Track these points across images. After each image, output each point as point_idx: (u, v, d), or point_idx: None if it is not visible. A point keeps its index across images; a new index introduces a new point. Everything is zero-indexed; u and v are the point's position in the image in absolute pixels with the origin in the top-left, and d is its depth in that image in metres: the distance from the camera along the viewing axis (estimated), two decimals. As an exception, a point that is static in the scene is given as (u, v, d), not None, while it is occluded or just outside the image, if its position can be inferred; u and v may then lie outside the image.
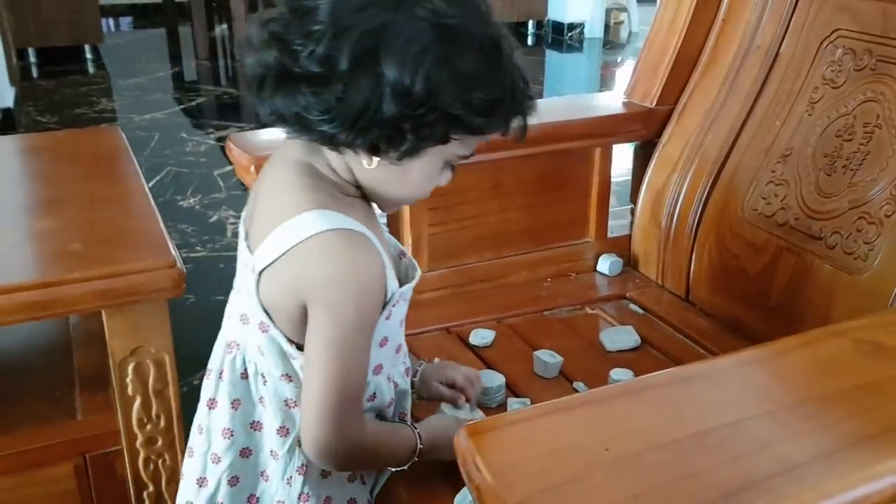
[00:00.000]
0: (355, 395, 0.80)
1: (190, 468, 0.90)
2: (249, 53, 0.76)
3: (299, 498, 0.85)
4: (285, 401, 0.85)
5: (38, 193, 1.27)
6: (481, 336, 1.17)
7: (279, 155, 0.86)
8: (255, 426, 0.87)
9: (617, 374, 1.06)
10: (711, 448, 0.56)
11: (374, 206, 0.86)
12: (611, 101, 1.47)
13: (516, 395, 1.04)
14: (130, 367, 1.09)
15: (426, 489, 0.88)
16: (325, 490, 0.87)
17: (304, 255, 0.77)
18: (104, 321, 1.05)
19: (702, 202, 1.30)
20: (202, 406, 0.89)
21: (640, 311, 1.31)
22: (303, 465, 0.85)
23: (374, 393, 0.86)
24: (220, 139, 3.58)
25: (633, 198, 1.44)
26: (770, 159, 1.22)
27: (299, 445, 0.84)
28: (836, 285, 1.09)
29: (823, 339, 0.69)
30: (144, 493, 1.15)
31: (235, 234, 2.60)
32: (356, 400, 0.80)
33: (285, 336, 0.82)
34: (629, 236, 1.43)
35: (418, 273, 0.87)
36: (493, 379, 1.03)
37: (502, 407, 1.03)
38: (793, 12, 1.24)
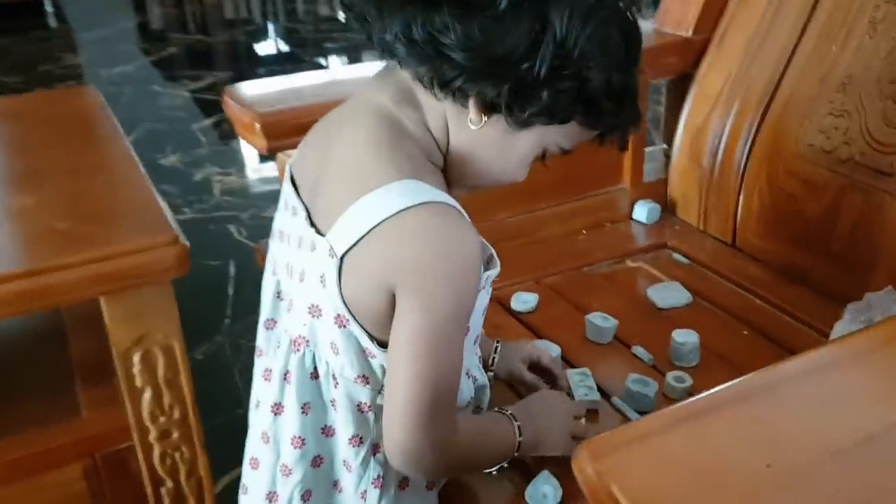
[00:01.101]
0: (448, 394, 0.68)
1: (255, 481, 0.79)
2: None
3: None
4: (359, 405, 0.73)
5: (12, 165, 1.13)
6: (523, 300, 1.07)
7: (355, 105, 0.73)
8: (326, 431, 0.75)
9: (680, 336, 0.96)
10: (887, 457, 0.45)
11: None
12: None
13: (572, 366, 0.94)
14: (136, 358, 0.97)
15: (494, 479, 0.78)
16: (403, 503, 0.76)
17: (392, 234, 0.65)
18: (103, 309, 0.93)
19: (749, 139, 1.19)
20: (265, 411, 0.77)
21: (685, 260, 1.20)
22: (378, 476, 0.74)
23: None
24: (196, 91, 3.40)
25: (668, 138, 1.32)
26: (827, 89, 1.10)
27: (373, 455, 0.73)
28: (914, 226, 0.99)
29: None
30: (163, 490, 1.05)
31: (223, 193, 2.50)
32: (449, 400, 0.68)
33: (366, 331, 0.69)
34: (665, 180, 1.32)
35: (496, 260, 0.75)
36: (548, 349, 0.93)
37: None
38: (850, -80, 1.11)
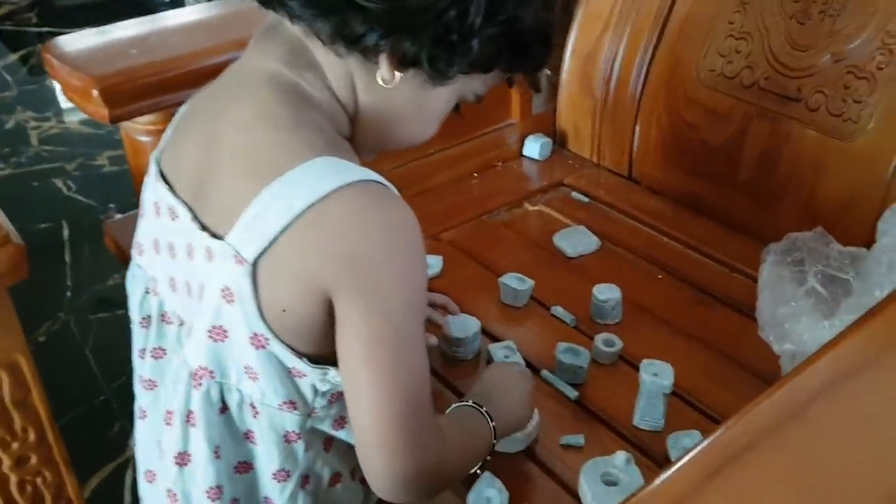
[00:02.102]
0: (426, 402, 0.57)
1: None
2: None
3: None
4: (285, 435, 0.61)
5: None
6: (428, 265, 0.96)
7: (240, 77, 0.60)
8: (240, 468, 0.63)
9: (602, 292, 0.89)
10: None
11: None
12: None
13: (493, 339, 0.86)
14: (-26, 383, 0.80)
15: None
16: None
17: (319, 226, 0.53)
18: (-79, 331, 0.75)
19: (645, 64, 1.11)
20: (166, 463, 0.63)
21: (584, 199, 1.13)
22: None
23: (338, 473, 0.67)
24: (-7, 20, 2.96)
25: (554, 64, 1.23)
26: (726, 8, 1.04)
27: (302, 488, 0.63)
28: (824, 153, 0.95)
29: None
30: (27, 523, 0.90)
31: (42, 142, 2.20)
32: (428, 408, 0.58)
33: (290, 347, 0.57)
34: (554, 110, 1.24)
35: None
36: (466, 325, 0.84)
37: (479, 356, 0.84)
38: None
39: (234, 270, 0.55)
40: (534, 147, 1.20)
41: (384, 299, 0.54)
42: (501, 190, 1.14)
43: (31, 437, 0.87)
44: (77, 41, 0.86)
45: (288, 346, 0.57)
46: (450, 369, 0.83)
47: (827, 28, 0.95)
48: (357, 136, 0.62)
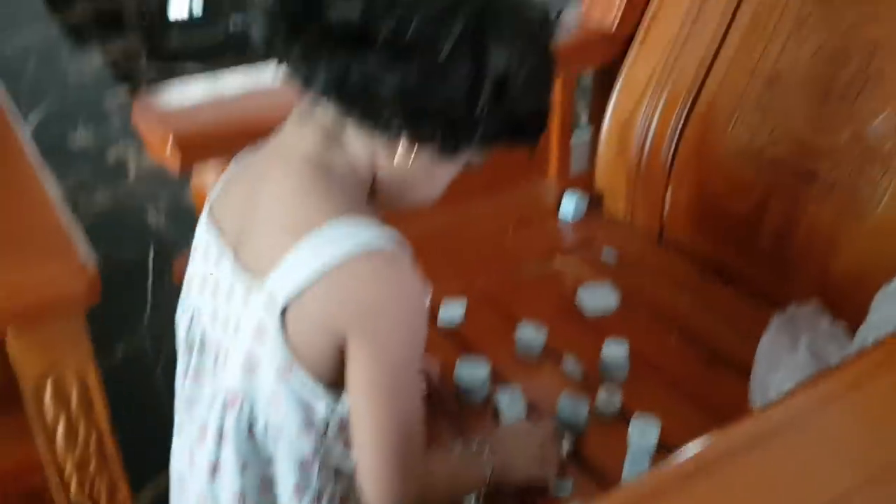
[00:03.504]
0: (415, 437, 0.69)
1: None
2: None
3: None
4: (302, 460, 0.71)
5: None
6: (451, 311, 1.04)
7: (279, 154, 0.71)
8: (263, 487, 0.73)
9: (610, 349, 0.95)
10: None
11: None
12: (566, 25, 1.30)
13: (502, 382, 0.93)
14: (48, 390, 0.92)
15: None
16: None
17: (343, 280, 0.65)
18: (8, 342, 0.87)
19: (677, 132, 1.18)
20: (200, 472, 0.74)
21: (613, 257, 1.19)
22: None
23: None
24: (108, 59, 3.23)
25: (594, 129, 1.30)
26: (754, 85, 1.10)
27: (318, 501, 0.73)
28: (838, 231, 0.99)
29: (899, 354, 0.59)
30: (86, 514, 1.01)
31: (140, 175, 2.39)
32: (417, 443, 0.69)
33: (308, 377, 0.68)
34: (591, 171, 1.31)
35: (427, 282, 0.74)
36: (476, 371, 0.91)
37: (488, 401, 0.92)
38: (775, -86, 1.09)
39: (268, 312, 0.66)
40: (569, 205, 1.27)
41: (388, 348, 0.66)
42: (534, 243, 1.21)
43: (93, 444, 0.98)
44: (166, 96, 1.00)
45: (307, 376, 0.67)
46: (459, 413, 0.90)
47: (846, 109, 1.00)
48: (377, 196, 0.72)
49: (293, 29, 0.64)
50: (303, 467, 0.72)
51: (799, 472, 0.48)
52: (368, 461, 0.67)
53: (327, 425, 0.70)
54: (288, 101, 0.87)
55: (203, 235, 0.76)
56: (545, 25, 0.69)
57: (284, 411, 0.69)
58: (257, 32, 0.66)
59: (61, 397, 0.93)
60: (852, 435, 0.53)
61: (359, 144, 0.68)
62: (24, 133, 1.08)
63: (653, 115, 1.20)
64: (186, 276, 0.80)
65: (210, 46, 3.49)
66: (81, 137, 2.58)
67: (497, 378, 0.94)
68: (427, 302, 0.72)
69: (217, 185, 0.78)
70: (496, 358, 0.96)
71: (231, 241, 0.71)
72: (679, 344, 1.02)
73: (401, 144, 0.67)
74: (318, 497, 0.73)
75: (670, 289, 1.12)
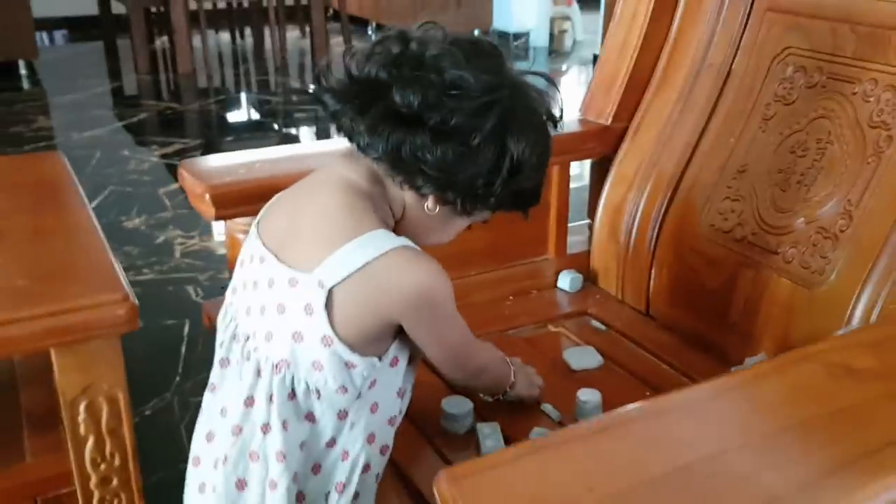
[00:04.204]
0: (468, 342, 0.94)
1: (247, 500, 0.89)
2: (369, 67, 0.82)
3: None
4: (338, 412, 0.86)
5: (-21, 226, 1.21)
6: (446, 360, 1.16)
7: (328, 178, 0.89)
8: (303, 448, 0.87)
9: (584, 395, 1.05)
10: (694, 483, 0.55)
11: None
12: (566, 119, 1.47)
13: (484, 420, 1.03)
14: (82, 406, 1.04)
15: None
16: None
17: (383, 270, 0.81)
18: (53, 359, 1.01)
19: (659, 218, 1.31)
20: (255, 431, 0.87)
21: (602, 327, 1.31)
22: (341, 482, 0.87)
23: (368, 464, 0.88)
24: (165, 156, 3.51)
25: (591, 214, 1.44)
26: (726, 175, 1.23)
27: (342, 461, 0.87)
28: (794, 300, 1.10)
29: (795, 365, 0.69)
30: (100, 535, 1.11)
31: (184, 255, 2.58)
32: (469, 342, 0.95)
33: (348, 346, 0.83)
34: (588, 252, 1.44)
35: None
36: (461, 405, 1.02)
37: (471, 433, 1.02)
38: (744, 31, 1.25)
39: (316, 293, 0.82)
40: (565, 280, 1.40)
41: (436, 319, 0.86)
42: (530, 312, 1.33)
43: (117, 461, 1.09)
44: (205, 160, 1.17)
45: (347, 345, 0.82)
46: (444, 441, 1.01)
47: (802, 195, 1.13)
48: (400, 230, 0.90)
49: (363, 106, 0.82)
50: (338, 423, 0.86)
51: (683, 435, 0.59)
52: (446, 366, 0.94)
53: (362, 382, 0.85)
54: (308, 166, 1.03)
55: (248, 248, 0.93)
56: (550, 120, 0.90)
57: (325, 375, 0.83)
58: (327, 105, 0.85)
59: (93, 414, 1.05)
60: (737, 414, 0.63)
61: (396, 190, 0.87)
62: (88, 207, 1.26)
63: (639, 204, 1.34)
64: (231, 286, 0.96)
65: (257, 138, 3.77)
66: (135, 221, 2.80)
67: (481, 416, 1.04)
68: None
69: (263, 209, 0.96)
70: (479, 400, 1.06)
71: (273, 247, 0.88)
72: (651, 398, 1.11)
73: (429, 201, 0.86)
74: (344, 455, 0.87)
75: (651, 356, 1.22)
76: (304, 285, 0.83)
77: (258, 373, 0.87)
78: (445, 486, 0.53)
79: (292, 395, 0.85)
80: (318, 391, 0.85)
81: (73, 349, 1.00)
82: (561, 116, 0.93)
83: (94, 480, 1.08)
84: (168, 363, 1.99)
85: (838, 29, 1.12)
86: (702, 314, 1.24)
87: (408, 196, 0.87)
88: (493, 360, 1.02)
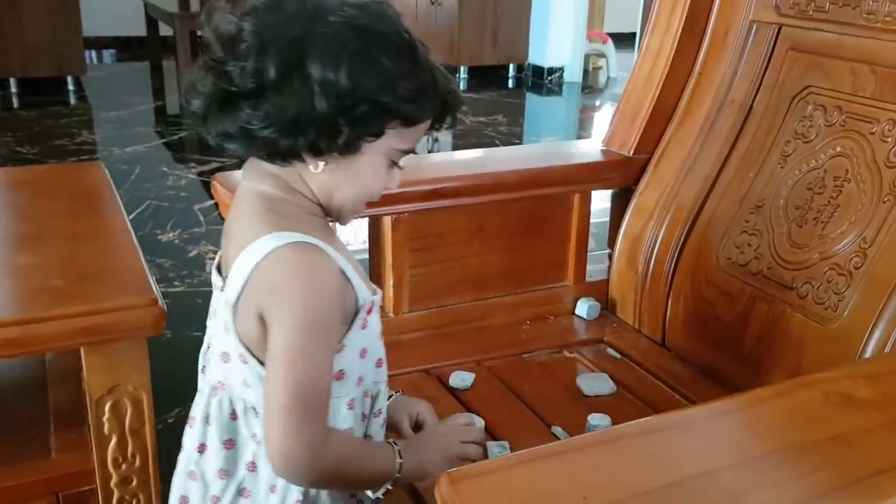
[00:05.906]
0: (316, 399, 0.79)
1: None
2: (194, 96, 0.80)
3: None
4: None
5: (19, 229, 1.27)
6: (461, 378, 1.18)
7: (243, 195, 0.88)
8: (251, 467, 0.86)
9: (594, 419, 1.07)
10: (685, 498, 0.57)
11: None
12: (590, 149, 1.50)
13: (495, 439, 1.05)
14: (107, 406, 1.08)
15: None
16: None
17: (260, 274, 0.79)
18: (82, 358, 1.05)
19: (677, 249, 1.33)
20: (192, 452, 0.89)
21: (617, 355, 1.32)
22: (300, 500, 0.85)
23: (353, 399, 0.86)
24: (202, 174, 3.59)
25: (611, 243, 1.46)
26: (743, 210, 1.25)
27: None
28: (807, 335, 1.11)
29: (794, 391, 0.71)
30: (118, 532, 1.14)
31: (215, 270, 2.63)
32: (318, 405, 0.79)
33: (259, 361, 0.81)
34: (607, 281, 1.46)
35: (376, 287, 0.88)
36: (474, 422, 1.04)
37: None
38: (766, 69, 1.28)
39: (227, 310, 0.82)
40: (583, 308, 1.42)
41: (292, 320, 0.77)
42: (546, 337, 1.35)
43: (138, 462, 1.13)
44: (237, 174, 1.21)
45: (258, 360, 0.81)
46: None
47: (818, 231, 1.14)
48: (328, 207, 0.85)
49: (206, 123, 0.79)
50: None
51: (679, 452, 0.61)
52: (271, 416, 0.78)
53: None
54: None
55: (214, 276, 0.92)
56: (361, 30, 0.77)
57: (255, 391, 0.82)
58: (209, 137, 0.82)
59: (118, 414, 1.09)
60: (733, 435, 0.65)
61: (286, 173, 0.83)
62: (124, 214, 1.31)
63: (658, 234, 1.36)
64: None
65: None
66: (169, 235, 2.87)
67: (492, 435, 1.06)
68: (358, 290, 0.82)
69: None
70: (493, 418, 1.09)
71: (224, 271, 0.87)
72: (661, 426, 1.12)
73: (308, 161, 0.80)
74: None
75: (664, 384, 1.24)
76: (223, 303, 0.83)
77: (202, 394, 0.89)
78: (446, 488, 0.55)
79: (234, 415, 0.86)
80: (254, 409, 0.84)
81: (102, 349, 1.05)
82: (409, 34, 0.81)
83: (114, 479, 1.12)
84: (193, 374, 2.03)
85: (858, 69, 1.14)
86: (716, 346, 1.25)
87: (299, 169, 0.82)
88: (353, 452, 0.85)
